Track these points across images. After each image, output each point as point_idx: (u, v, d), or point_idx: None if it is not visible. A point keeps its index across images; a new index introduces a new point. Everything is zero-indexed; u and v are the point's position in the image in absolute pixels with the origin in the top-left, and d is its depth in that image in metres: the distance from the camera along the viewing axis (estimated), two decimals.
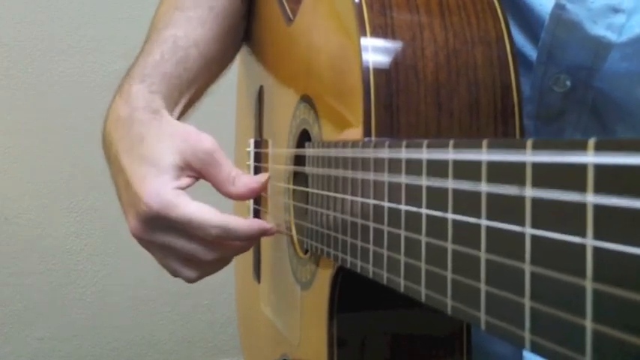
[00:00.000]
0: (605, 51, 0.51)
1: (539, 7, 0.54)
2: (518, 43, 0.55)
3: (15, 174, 1.67)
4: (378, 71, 0.46)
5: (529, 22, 0.55)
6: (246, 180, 0.60)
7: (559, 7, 0.51)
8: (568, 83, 0.54)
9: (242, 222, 0.58)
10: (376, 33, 0.47)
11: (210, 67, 0.73)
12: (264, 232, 0.60)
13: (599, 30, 0.51)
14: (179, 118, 0.68)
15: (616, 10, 0.50)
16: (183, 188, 0.58)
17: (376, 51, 0.47)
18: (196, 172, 0.59)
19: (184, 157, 0.59)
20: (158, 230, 0.58)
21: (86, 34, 1.70)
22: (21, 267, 1.68)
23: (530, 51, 0.55)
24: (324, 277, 0.54)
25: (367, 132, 0.45)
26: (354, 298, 0.52)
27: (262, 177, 0.62)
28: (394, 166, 0.36)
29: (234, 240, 0.59)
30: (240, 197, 0.61)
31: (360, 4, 0.48)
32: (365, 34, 0.47)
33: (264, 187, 0.62)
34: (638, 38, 0.51)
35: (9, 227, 1.67)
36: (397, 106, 0.45)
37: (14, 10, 1.65)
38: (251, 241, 0.61)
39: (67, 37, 1.69)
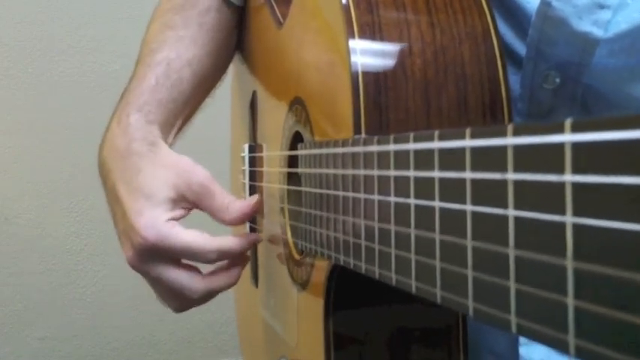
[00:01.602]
0: (592, 47, 0.51)
1: (527, 4, 0.54)
2: (508, 40, 0.55)
3: (15, 174, 1.67)
4: (366, 69, 0.46)
5: (517, 19, 0.55)
6: (238, 206, 0.63)
7: (545, 4, 0.52)
8: (557, 80, 0.54)
9: (233, 240, 0.62)
10: (363, 31, 0.47)
11: (204, 84, 0.74)
12: (254, 241, 0.66)
13: (585, 26, 0.51)
14: (176, 137, 0.70)
15: (601, 6, 0.51)
16: (177, 219, 0.61)
17: (364, 49, 0.47)
18: (191, 203, 0.62)
19: (178, 190, 0.61)
20: (152, 261, 0.61)
21: (86, 34, 1.71)
22: (21, 267, 1.68)
23: (520, 48, 0.55)
24: (319, 277, 0.54)
25: (357, 130, 0.46)
26: (349, 296, 0.52)
27: (253, 199, 0.64)
28: (383, 159, 0.36)
29: (232, 257, 0.63)
30: (235, 223, 0.64)
31: (347, 3, 0.48)
32: (352, 33, 0.47)
33: (256, 208, 0.64)
34: (625, 34, 0.51)
35: (9, 227, 1.67)
36: (386, 103, 0.46)
37: (14, 10, 1.66)
38: (238, 273, 0.65)
39: (67, 37, 1.69)
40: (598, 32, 0.51)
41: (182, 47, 0.71)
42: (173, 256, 0.60)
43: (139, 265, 0.61)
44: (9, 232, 1.67)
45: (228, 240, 0.61)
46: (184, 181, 0.61)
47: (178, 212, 0.61)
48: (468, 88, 0.46)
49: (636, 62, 0.51)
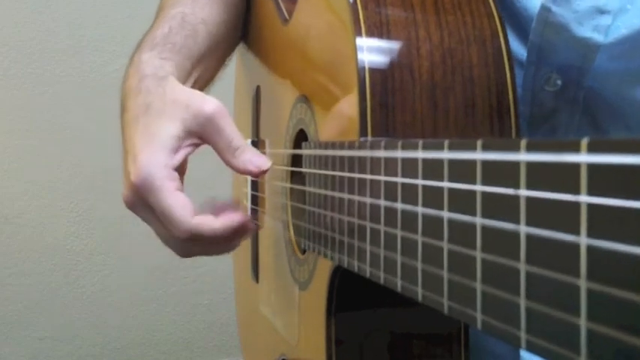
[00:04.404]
0: (592, 52, 0.52)
1: (528, 8, 0.54)
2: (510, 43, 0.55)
3: (15, 174, 1.67)
4: (374, 70, 0.46)
5: (518, 22, 0.55)
6: (246, 158, 0.57)
7: (545, 10, 0.52)
8: (559, 82, 0.54)
9: (213, 223, 0.55)
10: (371, 32, 0.47)
11: (217, 47, 0.72)
12: (241, 230, 0.56)
13: (585, 32, 0.51)
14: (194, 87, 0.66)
15: (602, 12, 0.51)
16: (178, 163, 0.57)
17: (371, 50, 0.47)
18: (198, 137, 0.58)
19: (185, 124, 0.57)
20: (143, 204, 0.57)
21: (86, 34, 1.70)
22: (21, 267, 1.68)
23: (521, 50, 0.55)
24: (321, 277, 0.54)
25: (363, 131, 0.46)
26: (351, 297, 0.52)
27: (265, 164, 0.58)
28: (390, 166, 0.36)
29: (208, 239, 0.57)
30: (238, 171, 0.59)
31: (355, 3, 0.48)
32: (360, 33, 0.47)
33: (262, 173, 0.59)
34: (625, 39, 0.51)
35: (9, 227, 1.67)
36: (393, 105, 0.46)
37: (14, 10, 1.65)
38: (231, 243, 0.59)
39: (67, 37, 1.69)
40: (598, 37, 0.51)
41: (197, 6, 0.70)
42: (153, 209, 0.56)
43: (130, 205, 0.57)
44: (9, 232, 1.67)
45: (208, 224, 0.55)
46: (191, 113, 0.57)
47: (181, 153, 0.57)
48: (475, 91, 0.46)
49: (637, 66, 0.51)
